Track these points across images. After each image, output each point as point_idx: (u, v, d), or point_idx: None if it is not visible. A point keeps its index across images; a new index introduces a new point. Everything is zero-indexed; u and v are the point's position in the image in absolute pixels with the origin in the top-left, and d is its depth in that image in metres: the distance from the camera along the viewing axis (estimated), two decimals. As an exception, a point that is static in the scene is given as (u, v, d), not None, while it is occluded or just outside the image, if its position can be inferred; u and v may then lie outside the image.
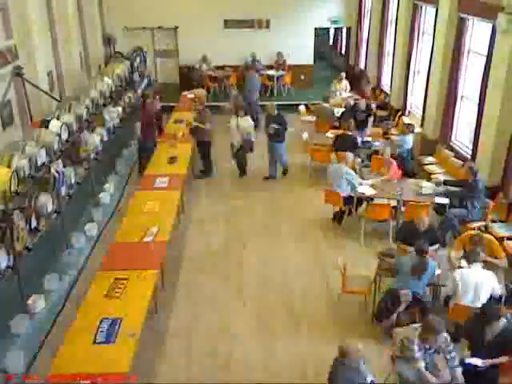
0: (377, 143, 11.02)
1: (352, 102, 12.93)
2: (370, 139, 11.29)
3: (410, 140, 10.49)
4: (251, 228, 9.20)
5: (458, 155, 10.05)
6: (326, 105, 12.85)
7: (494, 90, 8.55)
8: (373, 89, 15.01)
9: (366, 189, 8.79)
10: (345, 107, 12.49)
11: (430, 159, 10.67)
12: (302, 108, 13.69)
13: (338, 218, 9.16)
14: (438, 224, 7.94)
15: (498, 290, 6.07)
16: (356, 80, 15.90)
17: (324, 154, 10.82)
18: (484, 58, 9.10)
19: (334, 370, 4.72)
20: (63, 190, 7.57)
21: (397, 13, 13.70)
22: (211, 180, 11.12)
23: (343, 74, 15.06)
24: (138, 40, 16.30)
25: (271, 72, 16.64)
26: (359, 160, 10.52)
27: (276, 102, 15.76)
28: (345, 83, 14.74)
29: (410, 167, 10.31)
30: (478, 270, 6.07)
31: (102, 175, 10.00)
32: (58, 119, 8.34)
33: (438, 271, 6.47)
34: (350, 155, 9.13)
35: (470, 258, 6.16)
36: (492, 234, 7.49)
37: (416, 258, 6.26)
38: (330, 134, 11.45)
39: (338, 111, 12.52)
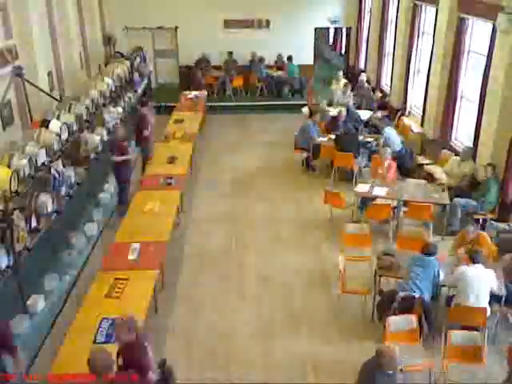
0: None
1: (351, 103, 12.94)
2: (370, 140, 11.30)
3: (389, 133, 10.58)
4: (251, 228, 9.20)
5: (458, 155, 10.04)
6: (324, 102, 12.84)
7: (494, 89, 8.55)
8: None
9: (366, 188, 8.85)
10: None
11: (421, 158, 10.74)
12: (305, 110, 13.69)
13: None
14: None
15: (497, 288, 6.09)
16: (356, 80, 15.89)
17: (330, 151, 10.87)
18: (484, 58, 9.10)
19: (369, 372, 4.58)
20: (63, 190, 7.56)
21: (397, 13, 13.70)
22: (211, 180, 11.10)
23: (340, 73, 14.95)
24: (138, 40, 16.30)
25: (271, 72, 16.68)
26: (360, 160, 10.57)
27: (277, 102, 16.00)
28: (343, 82, 14.64)
29: (408, 167, 10.34)
30: (480, 268, 6.07)
31: (101, 175, 9.99)
32: (58, 119, 8.34)
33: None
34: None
35: (474, 258, 6.13)
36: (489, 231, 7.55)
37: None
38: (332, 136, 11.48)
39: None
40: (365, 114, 12.63)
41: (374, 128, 11.98)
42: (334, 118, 11.83)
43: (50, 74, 11.11)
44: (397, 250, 7.34)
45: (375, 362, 4.50)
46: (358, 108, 13.08)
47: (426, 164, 10.50)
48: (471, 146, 9.42)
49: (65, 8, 12.25)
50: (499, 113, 8.39)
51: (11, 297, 6.08)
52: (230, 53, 16.70)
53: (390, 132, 10.81)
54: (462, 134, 10.49)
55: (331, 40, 23.32)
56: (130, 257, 6.75)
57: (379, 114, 12.71)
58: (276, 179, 11.19)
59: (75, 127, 8.73)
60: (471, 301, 5.95)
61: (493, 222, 8.17)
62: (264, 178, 11.22)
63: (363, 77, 14.56)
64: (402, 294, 6.06)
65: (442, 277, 6.34)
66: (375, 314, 6.69)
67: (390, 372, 4.44)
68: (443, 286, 6.56)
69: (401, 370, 4.78)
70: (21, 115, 9.59)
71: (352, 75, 16.75)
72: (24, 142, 7.46)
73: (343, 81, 14.46)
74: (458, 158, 9.42)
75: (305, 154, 11.58)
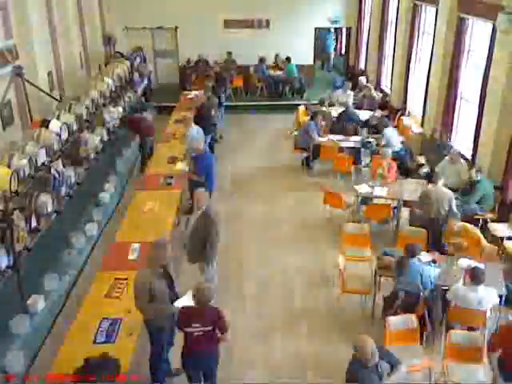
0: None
1: (351, 103, 12.92)
2: (371, 140, 11.30)
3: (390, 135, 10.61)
4: (251, 228, 9.21)
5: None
6: (323, 109, 12.82)
7: (494, 89, 8.55)
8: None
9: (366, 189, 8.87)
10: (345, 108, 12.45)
11: (421, 158, 10.72)
12: (301, 108, 13.70)
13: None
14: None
15: (497, 301, 6.01)
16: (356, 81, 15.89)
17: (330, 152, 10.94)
18: (484, 58, 9.10)
19: (351, 367, 4.60)
20: (63, 190, 7.56)
21: (397, 13, 13.71)
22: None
23: (349, 85, 14.57)
24: (138, 40, 16.30)
25: (271, 72, 16.72)
26: (362, 162, 10.59)
27: (276, 102, 16.02)
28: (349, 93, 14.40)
29: (408, 167, 10.34)
30: (480, 292, 5.84)
31: (102, 175, 9.99)
32: (58, 119, 8.34)
33: (435, 271, 6.48)
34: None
35: (477, 278, 5.81)
36: (490, 232, 7.55)
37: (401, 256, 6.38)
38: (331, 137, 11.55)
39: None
40: (365, 114, 12.63)
41: (373, 128, 11.98)
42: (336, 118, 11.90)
43: (49, 73, 11.11)
44: (397, 250, 7.33)
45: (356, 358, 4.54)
46: (359, 108, 13.08)
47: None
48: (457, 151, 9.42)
49: (65, 8, 12.26)
50: (499, 113, 8.39)
51: (11, 297, 6.08)
52: (229, 53, 16.70)
53: (390, 133, 10.80)
54: (462, 134, 10.49)
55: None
56: (130, 257, 6.74)
57: (378, 113, 12.71)
58: (276, 179, 11.19)
59: (75, 127, 8.73)
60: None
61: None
62: (264, 178, 11.22)
63: (363, 78, 14.57)
64: (401, 293, 6.07)
65: (432, 276, 6.33)
66: (375, 314, 6.71)
67: (369, 365, 4.44)
68: (442, 286, 6.56)
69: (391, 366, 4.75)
70: (21, 115, 9.59)
71: (352, 75, 16.75)
72: (24, 142, 7.45)
73: (350, 92, 14.19)
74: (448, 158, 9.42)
75: (305, 154, 11.60)
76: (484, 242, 7.12)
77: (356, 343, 4.53)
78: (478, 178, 8.25)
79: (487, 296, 5.85)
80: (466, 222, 7.66)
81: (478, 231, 7.25)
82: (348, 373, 4.62)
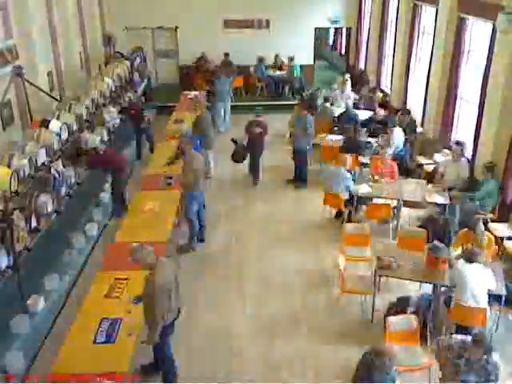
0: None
1: (350, 103, 12.92)
2: (371, 140, 11.30)
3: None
4: (251, 228, 9.21)
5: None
6: (327, 104, 12.83)
7: (494, 89, 8.55)
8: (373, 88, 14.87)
9: (366, 189, 8.87)
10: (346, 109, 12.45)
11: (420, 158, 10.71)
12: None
13: (338, 216, 9.25)
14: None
15: (495, 286, 6.05)
16: (356, 80, 15.89)
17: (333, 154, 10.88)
18: (484, 58, 9.10)
19: (366, 369, 4.54)
20: (63, 190, 7.57)
21: (397, 13, 13.71)
22: (211, 179, 11.08)
23: (347, 76, 14.82)
24: (138, 40, 16.30)
25: (270, 72, 16.73)
26: (361, 162, 10.57)
27: (276, 102, 16.01)
28: (348, 85, 14.55)
29: (406, 166, 10.34)
30: (476, 267, 5.99)
31: (101, 175, 9.99)
32: (57, 119, 8.34)
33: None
34: (349, 158, 9.41)
35: (469, 257, 6.06)
36: (490, 232, 7.55)
37: None
38: (331, 137, 11.54)
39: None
40: (364, 114, 12.62)
41: (378, 125, 11.94)
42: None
43: (49, 74, 11.12)
44: (397, 250, 7.34)
45: (373, 361, 4.45)
46: (358, 108, 13.08)
47: (426, 164, 10.49)
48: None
49: (65, 8, 12.27)
50: (499, 113, 8.39)
51: (11, 297, 6.08)
52: (226, 54, 16.60)
53: (397, 132, 10.77)
54: (462, 134, 10.49)
55: (331, 40, 23.36)
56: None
57: (381, 112, 12.70)
58: (275, 179, 11.18)
59: (75, 127, 8.74)
60: (469, 299, 5.92)
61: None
62: (263, 178, 11.21)
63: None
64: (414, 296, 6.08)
65: None
66: (375, 314, 6.71)
67: (388, 371, 4.40)
68: (442, 286, 6.57)
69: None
70: (21, 115, 9.60)
71: (352, 75, 16.74)
72: (24, 142, 7.46)
73: (349, 92, 14.28)
74: (449, 157, 9.41)
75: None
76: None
77: (384, 354, 4.34)
78: (488, 176, 8.23)
79: (484, 273, 5.96)
80: (467, 220, 7.66)
81: (492, 238, 7.23)
82: (357, 375, 4.52)
